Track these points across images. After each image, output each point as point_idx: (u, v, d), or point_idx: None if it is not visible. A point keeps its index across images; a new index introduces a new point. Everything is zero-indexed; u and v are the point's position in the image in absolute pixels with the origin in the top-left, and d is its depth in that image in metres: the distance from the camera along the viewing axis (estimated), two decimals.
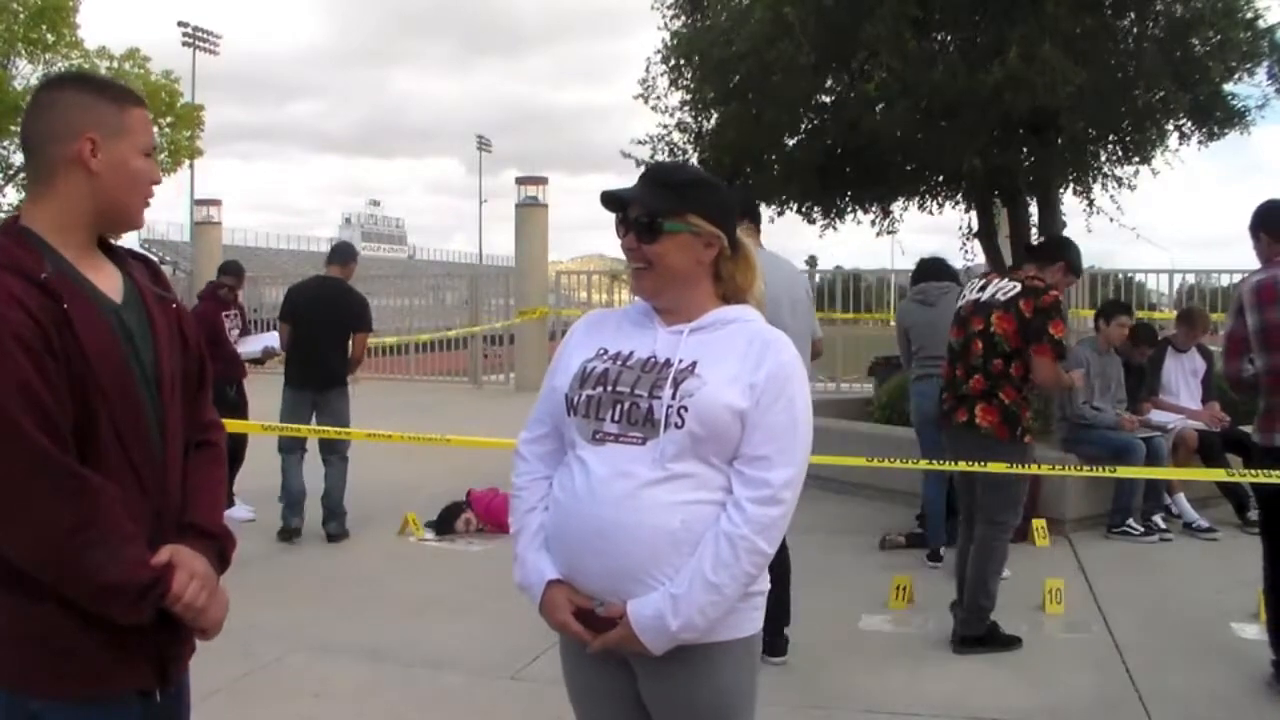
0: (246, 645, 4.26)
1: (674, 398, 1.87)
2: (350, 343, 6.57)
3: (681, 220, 1.94)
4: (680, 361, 1.91)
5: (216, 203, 19.24)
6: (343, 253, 6.91)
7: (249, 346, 7.22)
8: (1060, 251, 4.66)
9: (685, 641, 1.87)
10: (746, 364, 1.90)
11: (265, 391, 6.77)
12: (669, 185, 1.98)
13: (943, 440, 4.83)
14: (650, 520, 1.86)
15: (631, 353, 1.96)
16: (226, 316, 7.17)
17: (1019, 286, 4.38)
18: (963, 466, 4.51)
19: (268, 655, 4.34)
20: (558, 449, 2.03)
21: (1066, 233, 8.14)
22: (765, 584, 1.99)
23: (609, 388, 1.92)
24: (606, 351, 1.98)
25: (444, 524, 6.59)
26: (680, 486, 1.87)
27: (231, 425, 6.66)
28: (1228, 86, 7.00)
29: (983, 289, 4.55)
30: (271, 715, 3.88)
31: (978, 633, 4.40)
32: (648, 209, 1.95)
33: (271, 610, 4.80)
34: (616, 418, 1.90)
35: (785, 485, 1.88)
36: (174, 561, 1.65)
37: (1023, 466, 4.38)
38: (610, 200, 2.01)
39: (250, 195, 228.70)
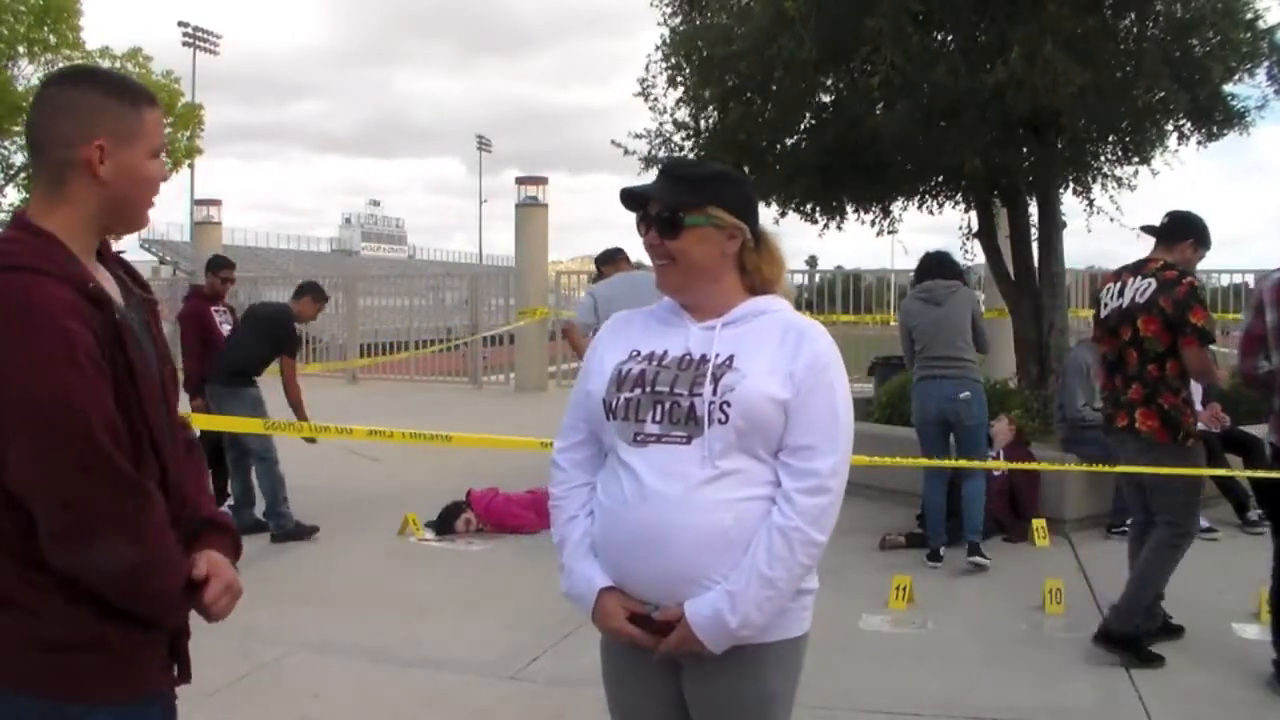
0: (246, 645, 4.26)
1: (715, 394, 1.86)
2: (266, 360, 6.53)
3: (702, 213, 1.94)
4: (717, 356, 1.90)
5: (216, 203, 19.24)
6: (297, 289, 7.01)
7: None
8: (1186, 228, 4.49)
9: (744, 639, 1.87)
10: (783, 354, 1.90)
11: (274, 386, 6.75)
12: (688, 179, 1.98)
13: (1109, 444, 4.78)
14: (703, 520, 1.86)
15: (666, 352, 1.95)
16: (217, 311, 7.12)
17: (1154, 283, 4.30)
18: (1120, 468, 4.49)
19: (268, 655, 4.33)
20: (594, 455, 2.02)
21: (1066, 233, 8.18)
22: (814, 583, 1.99)
23: (647, 388, 1.91)
24: (639, 352, 1.97)
25: (444, 524, 6.59)
26: (730, 484, 1.86)
27: (232, 424, 6.72)
28: (1228, 87, 6.99)
29: (1120, 292, 4.46)
30: (271, 715, 3.88)
31: (1126, 630, 4.28)
32: (668, 204, 1.95)
33: (271, 610, 4.80)
34: (658, 418, 1.89)
35: (832, 473, 1.87)
36: (210, 571, 1.67)
37: (1188, 467, 4.31)
38: (630, 198, 2.01)
39: (250, 195, 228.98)
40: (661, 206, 1.95)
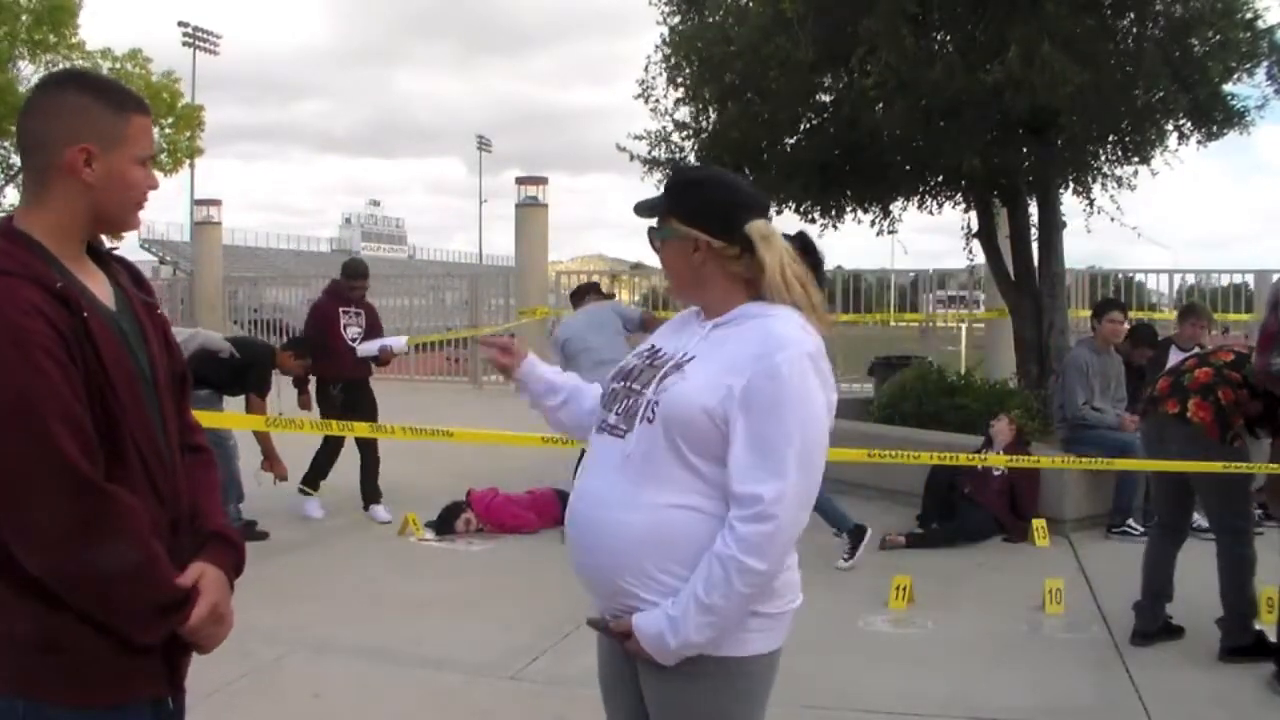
0: (245, 645, 4.25)
1: (654, 392, 1.86)
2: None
3: (668, 225, 1.95)
4: (681, 355, 1.90)
5: (216, 203, 19.21)
6: (288, 341, 7.16)
7: (367, 346, 7.14)
8: None
9: (691, 655, 1.84)
10: (739, 363, 1.80)
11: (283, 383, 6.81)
12: (667, 189, 2.00)
13: (1144, 428, 4.75)
14: (612, 517, 1.86)
15: (663, 351, 1.96)
16: (344, 313, 7.14)
17: None
18: (1165, 464, 4.45)
19: (267, 655, 4.33)
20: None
21: (1066, 233, 8.18)
22: (775, 607, 1.89)
23: (627, 383, 1.94)
24: (651, 348, 2.00)
25: (444, 524, 6.59)
26: (650, 487, 1.83)
27: (233, 421, 6.71)
28: (1227, 87, 7.00)
29: None
30: (271, 715, 3.88)
31: (1245, 642, 4.27)
32: (655, 216, 1.98)
33: (271, 610, 4.79)
34: (619, 410, 1.92)
35: (776, 500, 1.75)
36: (200, 588, 1.64)
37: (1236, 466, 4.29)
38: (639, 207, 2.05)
39: (250, 195, 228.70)
40: (647, 220, 1.99)
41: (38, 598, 1.51)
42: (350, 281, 7.31)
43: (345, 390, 6.98)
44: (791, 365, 1.79)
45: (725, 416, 1.79)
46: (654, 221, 1.99)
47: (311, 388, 7.09)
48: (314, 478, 7.02)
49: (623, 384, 1.95)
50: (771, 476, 1.76)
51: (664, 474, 1.83)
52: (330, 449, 7.05)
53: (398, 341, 7.48)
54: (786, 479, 1.76)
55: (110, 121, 1.62)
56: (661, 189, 2.03)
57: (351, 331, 7.13)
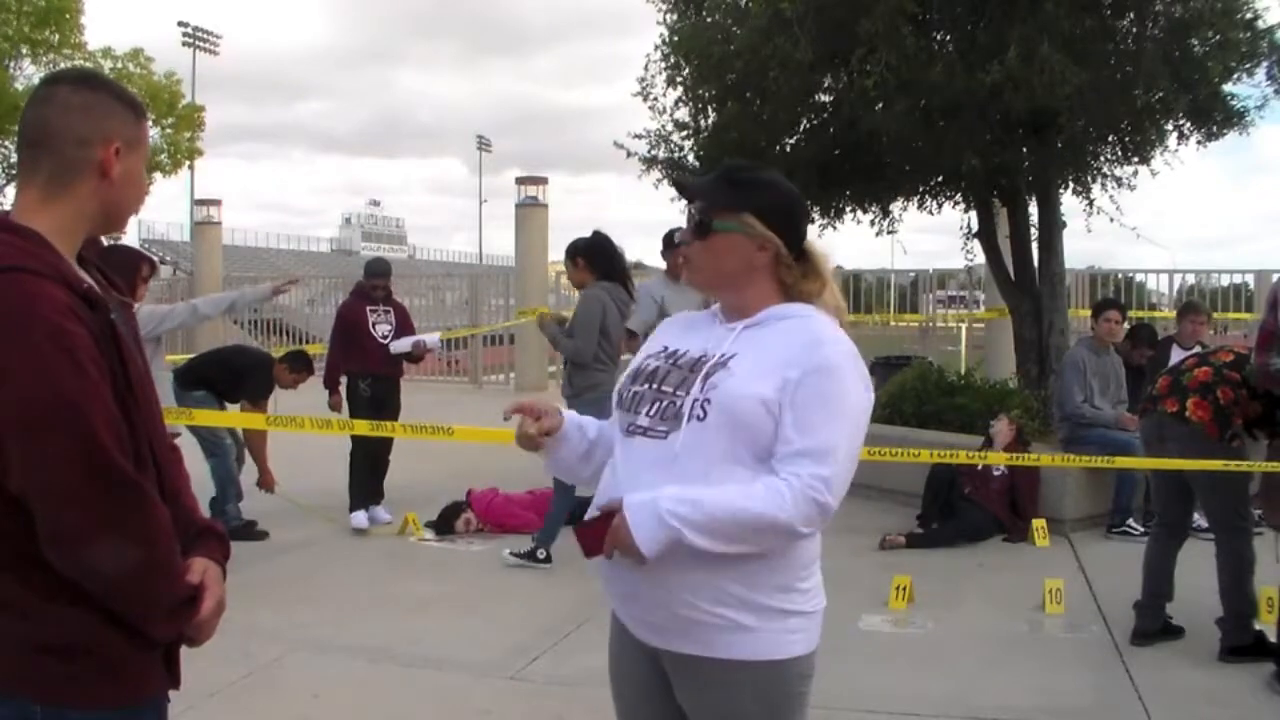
0: (246, 646, 4.27)
1: (701, 391, 1.83)
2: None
3: (735, 219, 1.91)
4: (720, 356, 1.87)
5: (217, 203, 19.22)
6: (285, 354, 7.16)
7: (400, 343, 7.13)
8: None
9: (671, 539, 1.74)
10: (790, 356, 1.82)
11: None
12: (732, 182, 1.96)
13: (1144, 427, 4.77)
14: None
15: (686, 351, 1.94)
16: (372, 311, 7.14)
17: None
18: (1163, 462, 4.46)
19: (267, 656, 4.34)
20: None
21: (1066, 233, 8.18)
22: (810, 605, 1.88)
23: (654, 385, 1.91)
24: (666, 349, 1.97)
25: (444, 524, 6.59)
26: (697, 485, 1.79)
27: (235, 420, 6.71)
28: (1227, 87, 7.00)
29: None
30: (271, 715, 3.88)
31: (1245, 642, 4.28)
32: (706, 204, 1.94)
33: (271, 611, 4.80)
34: (651, 413, 1.88)
35: (827, 483, 1.77)
36: (205, 583, 1.65)
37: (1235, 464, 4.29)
38: (680, 189, 2.06)
39: (251, 195, 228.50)
40: (700, 206, 1.95)
41: (64, 600, 1.51)
42: (370, 280, 7.31)
43: (374, 385, 6.96)
44: (843, 360, 1.85)
45: (780, 405, 1.80)
46: (687, 203, 1.98)
47: (342, 387, 7.06)
48: (374, 491, 6.92)
49: (646, 386, 1.92)
50: (826, 462, 1.78)
51: (715, 472, 1.80)
52: (366, 454, 6.88)
53: (431, 338, 7.52)
54: (832, 466, 1.78)
55: (132, 123, 1.66)
56: (723, 179, 1.97)
57: (381, 329, 7.11)
